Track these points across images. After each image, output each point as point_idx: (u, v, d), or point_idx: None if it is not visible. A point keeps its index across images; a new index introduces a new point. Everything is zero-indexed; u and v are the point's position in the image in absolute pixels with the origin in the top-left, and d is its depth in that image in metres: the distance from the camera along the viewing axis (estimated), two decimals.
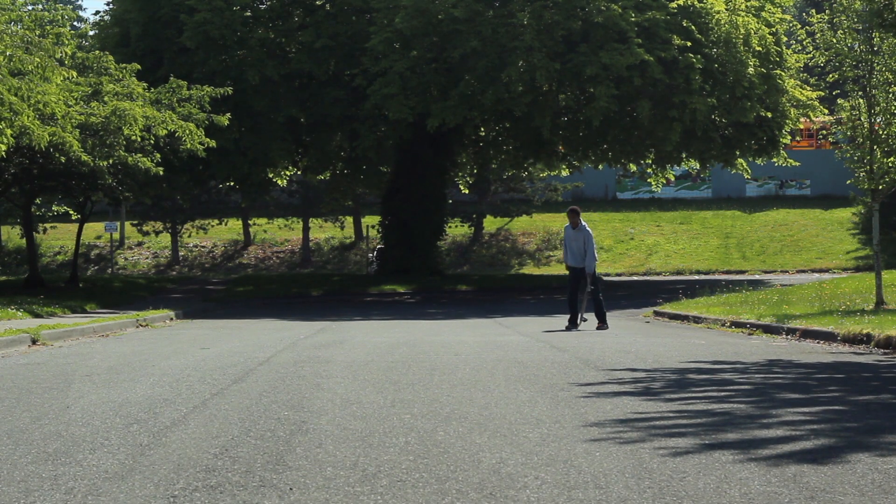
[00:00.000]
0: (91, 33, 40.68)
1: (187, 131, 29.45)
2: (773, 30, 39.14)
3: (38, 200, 44.01)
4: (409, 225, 40.15)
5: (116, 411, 8.43)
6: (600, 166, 46.49)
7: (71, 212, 46.58)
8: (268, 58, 37.54)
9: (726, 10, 36.61)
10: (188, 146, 29.65)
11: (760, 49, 37.04)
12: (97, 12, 44.81)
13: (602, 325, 19.34)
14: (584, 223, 19.66)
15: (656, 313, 23.99)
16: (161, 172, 29.83)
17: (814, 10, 24.64)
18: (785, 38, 40.46)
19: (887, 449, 6.67)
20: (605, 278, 45.51)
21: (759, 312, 19.43)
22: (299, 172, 48.04)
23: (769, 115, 37.87)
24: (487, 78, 35.31)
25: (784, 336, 16.55)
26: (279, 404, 8.70)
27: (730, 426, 7.53)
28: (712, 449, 6.64)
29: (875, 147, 20.71)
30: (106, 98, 29.18)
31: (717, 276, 46.94)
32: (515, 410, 8.28)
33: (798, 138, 57.99)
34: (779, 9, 41.26)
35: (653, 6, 35.30)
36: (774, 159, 41.98)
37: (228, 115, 32.14)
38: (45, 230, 56.93)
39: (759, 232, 58.19)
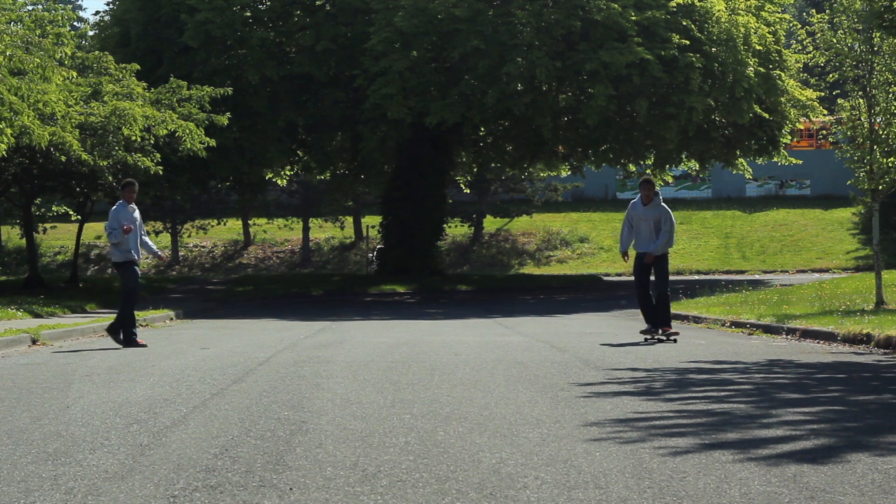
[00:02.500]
0: (91, 33, 40.67)
1: (187, 131, 29.44)
2: (773, 29, 39.15)
3: (38, 200, 44.01)
4: (409, 225, 40.13)
5: (116, 411, 8.43)
6: (601, 166, 46.42)
7: (71, 212, 46.56)
8: (268, 58, 37.55)
9: (726, 9, 36.62)
10: (188, 146, 29.65)
11: (761, 48, 37.05)
12: (97, 12, 44.82)
13: (670, 329, 15.68)
14: (661, 199, 15.92)
15: None
16: (161, 172, 29.83)
17: (814, 10, 24.64)
18: (784, 39, 40.45)
19: (887, 449, 6.67)
20: (606, 279, 45.47)
21: (759, 312, 19.43)
22: (300, 172, 48.02)
23: (767, 115, 37.88)
24: (489, 77, 35.30)
25: (784, 336, 16.55)
26: (279, 404, 8.70)
27: (730, 426, 7.53)
28: (712, 449, 6.64)
29: (875, 147, 20.70)
30: (106, 98, 29.18)
31: (717, 276, 46.93)
32: (515, 410, 8.28)
33: (798, 138, 57.98)
34: (778, 8, 41.26)
35: (652, 5, 35.30)
36: (775, 159, 42.00)
37: (228, 114, 32.14)
38: (45, 230, 56.89)
39: (759, 232, 58.18)
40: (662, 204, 15.78)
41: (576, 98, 38.44)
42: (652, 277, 15.86)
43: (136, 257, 15.71)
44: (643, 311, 15.88)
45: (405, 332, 18.48)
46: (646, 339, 15.53)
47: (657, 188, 15.81)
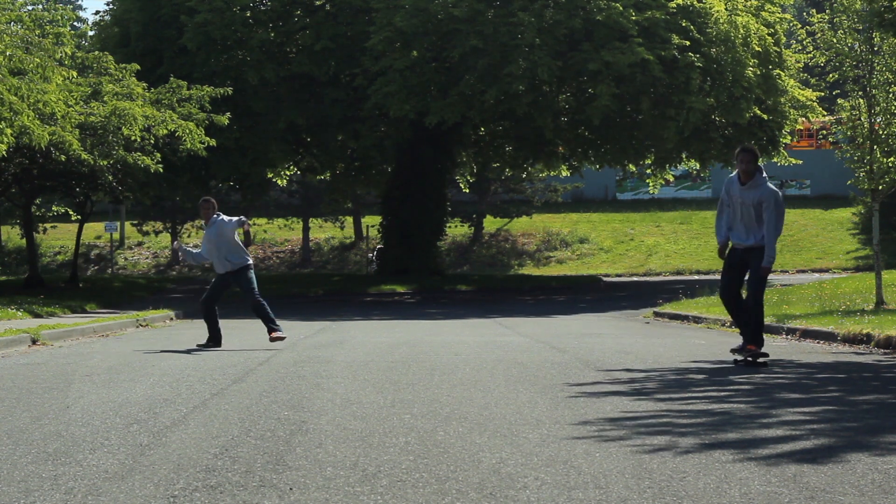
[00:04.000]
0: (91, 33, 40.72)
1: (187, 131, 29.45)
2: (773, 30, 39.16)
3: (38, 200, 44.01)
4: (409, 225, 40.14)
5: (116, 411, 8.42)
6: (601, 166, 46.39)
7: (71, 212, 46.59)
8: (268, 59, 37.54)
9: (725, 9, 36.63)
10: (188, 146, 29.65)
11: (759, 49, 37.06)
12: (97, 12, 44.89)
13: (756, 348, 11.51)
14: (765, 176, 11.47)
15: (656, 314, 23.97)
16: (161, 170, 29.85)
17: (814, 10, 24.64)
18: (784, 39, 40.45)
19: (887, 449, 6.67)
20: (605, 279, 45.39)
21: None
22: (300, 173, 48.03)
23: (767, 116, 37.87)
24: (489, 77, 35.30)
25: (784, 336, 16.55)
26: (279, 404, 8.70)
27: (730, 426, 7.53)
28: (712, 449, 6.64)
29: (875, 147, 20.71)
30: (106, 98, 29.18)
31: (717, 276, 46.83)
32: (515, 411, 8.28)
33: (798, 138, 57.99)
34: (778, 8, 41.26)
35: (652, 6, 35.31)
36: (775, 159, 42.01)
37: (228, 114, 32.15)
38: (45, 230, 56.92)
39: None
40: (768, 184, 11.47)
41: (576, 98, 38.47)
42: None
43: (220, 268, 16.65)
44: (734, 319, 12.06)
45: (405, 332, 18.48)
46: (735, 361, 11.72)
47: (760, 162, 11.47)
